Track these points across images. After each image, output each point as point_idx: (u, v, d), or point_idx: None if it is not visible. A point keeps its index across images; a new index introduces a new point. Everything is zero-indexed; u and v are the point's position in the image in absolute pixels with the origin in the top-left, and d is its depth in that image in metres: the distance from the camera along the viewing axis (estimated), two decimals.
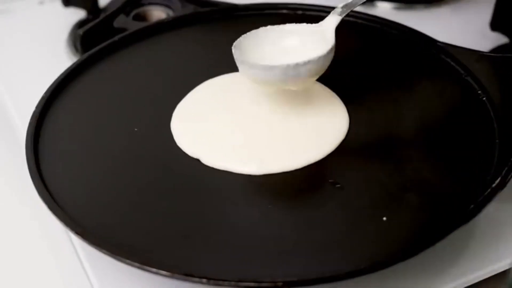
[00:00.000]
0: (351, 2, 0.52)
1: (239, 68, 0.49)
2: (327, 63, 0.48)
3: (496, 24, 0.62)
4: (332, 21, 0.51)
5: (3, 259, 0.48)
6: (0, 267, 0.48)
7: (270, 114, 0.50)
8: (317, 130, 0.49)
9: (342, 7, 0.51)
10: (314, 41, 0.50)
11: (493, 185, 0.42)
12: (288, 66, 0.46)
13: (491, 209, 0.43)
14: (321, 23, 0.51)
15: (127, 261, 0.39)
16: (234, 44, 0.49)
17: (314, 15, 0.60)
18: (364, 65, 0.55)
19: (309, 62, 0.47)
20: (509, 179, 0.42)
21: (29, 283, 0.47)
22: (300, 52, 0.49)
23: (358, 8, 0.62)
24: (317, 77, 0.49)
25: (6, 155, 0.56)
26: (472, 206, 0.41)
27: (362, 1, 0.52)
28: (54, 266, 0.47)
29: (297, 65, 0.46)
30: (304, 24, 0.51)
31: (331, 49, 0.48)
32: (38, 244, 0.49)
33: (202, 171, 0.46)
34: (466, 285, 0.43)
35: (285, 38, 0.51)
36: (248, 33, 0.50)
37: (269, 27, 0.51)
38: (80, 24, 0.66)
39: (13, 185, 0.53)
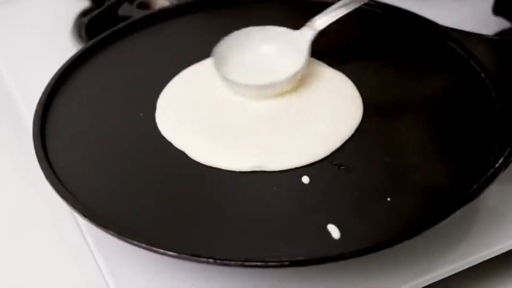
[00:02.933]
0: (330, 14, 0.52)
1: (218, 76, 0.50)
2: (300, 76, 0.50)
3: (498, 9, 0.62)
4: (308, 34, 0.52)
5: (11, 245, 0.49)
6: (7, 253, 0.48)
7: (269, 100, 0.50)
8: (327, 120, 0.48)
9: (320, 18, 0.52)
10: (291, 51, 0.51)
11: (496, 165, 0.42)
12: (264, 85, 0.49)
13: (493, 192, 0.43)
14: (301, 31, 0.52)
15: (135, 242, 0.39)
16: (214, 49, 0.51)
17: (319, 2, 0.61)
18: (368, 50, 0.55)
19: (283, 81, 0.49)
20: None
21: (36, 268, 0.47)
22: (277, 62, 0.51)
23: None
24: (293, 85, 0.50)
25: (14, 142, 0.56)
26: (474, 186, 0.41)
27: (342, 14, 0.52)
28: (62, 249, 0.47)
29: (272, 84, 0.49)
30: (284, 30, 0.53)
31: (305, 64, 0.50)
32: (45, 228, 0.49)
33: None
34: (467, 266, 0.43)
35: (264, 44, 0.52)
36: (228, 37, 0.52)
37: (249, 29, 0.52)
38: (84, 13, 0.66)
39: (21, 170, 0.54)
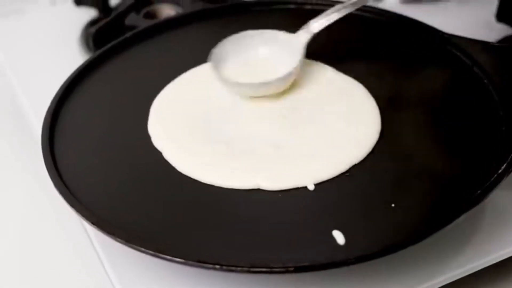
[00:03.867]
0: (324, 18, 0.54)
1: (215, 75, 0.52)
2: (294, 76, 0.52)
3: (501, 15, 0.63)
4: (304, 37, 0.53)
5: (20, 251, 0.49)
6: (15, 259, 0.49)
7: (270, 105, 0.51)
8: (339, 142, 0.47)
9: (315, 22, 0.54)
10: (289, 52, 0.53)
11: (499, 170, 0.43)
12: (259, 84, 0.50)
13: (497, 197, 0.43)
14: (297, 34, 0.54)
15: (142, 249, 0.40)
16: (212, 50, 0.53)
17: (323, 10, 0.61)
18: (372, 58, 0.56)
19: (277, 79, 0.50)
20: None
21: (44, 274, 0.47)
22: (274, 63, 0.53)
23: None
24: (286, 86, 0.52)
25: (23, 151, 0.57)
26: (478, 191, 0.42)
27: (337, 17, 0.54)
28: (70, 256, 0.48)
29: (265, 83, 0.50)
30: (281, 33, 0.54)
31: (298, 65, 0.52)
32: (54, 235, 0.50)
33: None
34: (472, 272, 0.44)
35: (261, 47, 0.54)
36: (226, 40, 0.54)
37: (250, 32, 0.54)
38: (91, 23, 0.67)
39: (29, 178, 0.54)
